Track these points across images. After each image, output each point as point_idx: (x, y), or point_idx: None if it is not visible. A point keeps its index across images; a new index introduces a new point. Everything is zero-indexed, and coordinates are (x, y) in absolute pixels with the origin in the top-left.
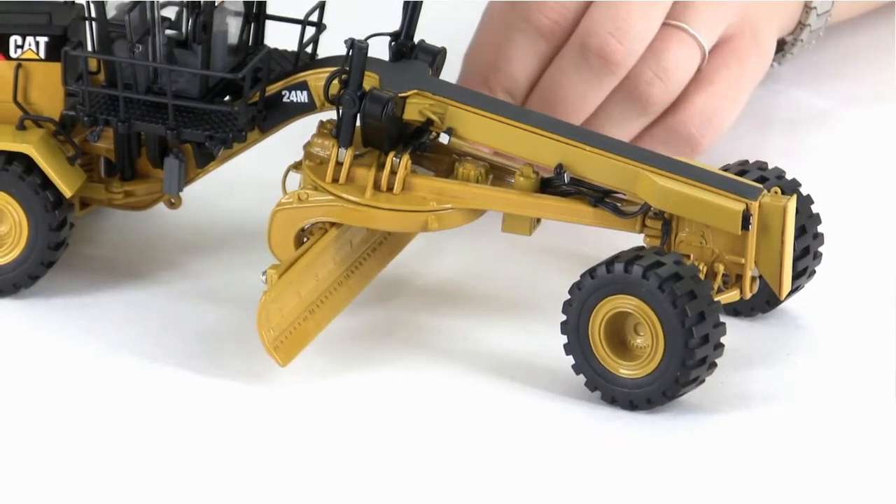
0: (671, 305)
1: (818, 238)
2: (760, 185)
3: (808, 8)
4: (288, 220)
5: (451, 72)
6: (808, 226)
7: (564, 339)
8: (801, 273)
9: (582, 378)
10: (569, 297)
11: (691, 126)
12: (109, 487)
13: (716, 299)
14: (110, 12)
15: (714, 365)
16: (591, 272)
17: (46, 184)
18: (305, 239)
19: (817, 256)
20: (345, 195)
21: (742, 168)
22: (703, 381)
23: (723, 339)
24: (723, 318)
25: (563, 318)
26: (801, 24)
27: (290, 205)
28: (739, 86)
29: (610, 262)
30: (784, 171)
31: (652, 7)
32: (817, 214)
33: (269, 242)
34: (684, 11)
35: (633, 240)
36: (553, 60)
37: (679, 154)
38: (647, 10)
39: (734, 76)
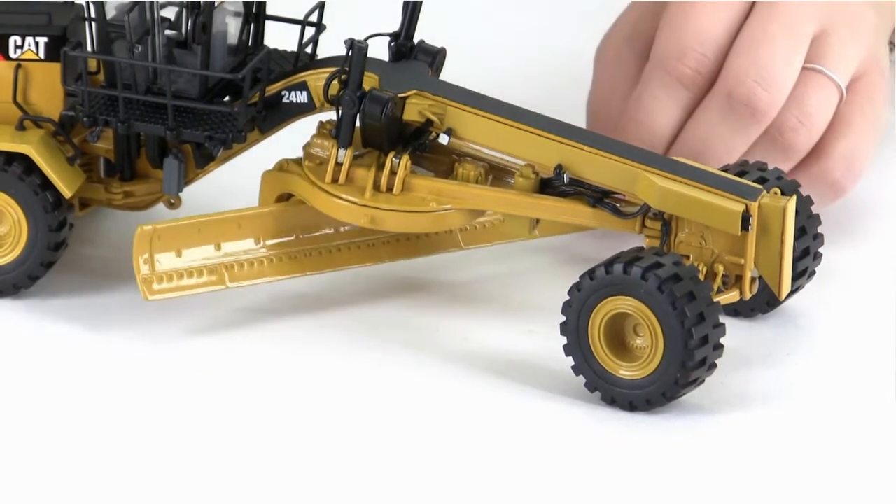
0: (670, 306)
1: (818, 239)
2: (760, 186)
3: None
4: (270, 183)
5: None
6: (807, 226)
7: (564, 340)
8: (801, 274)
9: (581, 379)
10: (568, 298)
11: (836, 173)
12: (112, 489)
13: (715, 300)
14: (110, 12)
15: (714, 366)
16: (591, 273)
17: (46, 184)
18: None
19: (817, 257)
20: (344, 195)
21: (742, 169)
22: (702, 382)
23: (722, 340)
24: (723, 319)
25: (563, 318)
26: (892, 44)
27: (273, 170)
28: (875, 124)
29: (609, 264)
30: (783, 172)
31: (793, 52)
32: (817, 215)
33: (259, 202)
34: (820, 53)
35: (632, 240)
36: (696, 111)
37: (823, 199)
38: (788, 55)
39: (869, 115)
